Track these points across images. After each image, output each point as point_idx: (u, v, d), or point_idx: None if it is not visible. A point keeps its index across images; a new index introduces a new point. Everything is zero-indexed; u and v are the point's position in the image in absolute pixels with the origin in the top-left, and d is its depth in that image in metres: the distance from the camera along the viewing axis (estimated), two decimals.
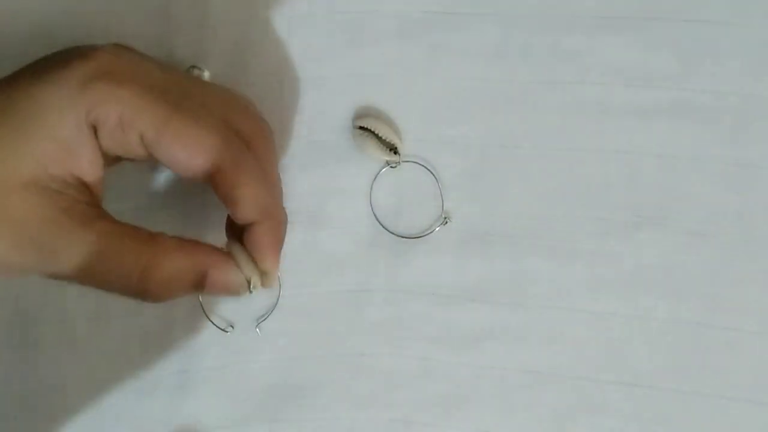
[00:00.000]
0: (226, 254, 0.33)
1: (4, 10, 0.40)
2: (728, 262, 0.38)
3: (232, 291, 0.33)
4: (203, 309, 0.40)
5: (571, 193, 0.39)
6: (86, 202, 0.31)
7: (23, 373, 0.39)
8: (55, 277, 0.31)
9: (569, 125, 0.40)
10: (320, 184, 0.40)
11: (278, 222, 0.34)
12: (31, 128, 0.30)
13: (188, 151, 0.31)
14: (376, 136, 0.39)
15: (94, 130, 0.31)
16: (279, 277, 0.35)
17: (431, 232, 0.40)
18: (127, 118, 0.30)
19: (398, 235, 0.40)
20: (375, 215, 0.40)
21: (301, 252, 0.40)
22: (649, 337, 0.39)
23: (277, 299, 0.40)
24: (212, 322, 0.40)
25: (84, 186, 0.31)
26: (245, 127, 0.34)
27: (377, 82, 0.40)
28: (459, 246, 0.40)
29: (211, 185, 0.32)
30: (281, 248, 0.34)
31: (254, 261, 0.34)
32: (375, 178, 0.40)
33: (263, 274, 0.34)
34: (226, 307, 0.40)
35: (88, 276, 0.31)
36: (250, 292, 0.33)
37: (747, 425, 0.38)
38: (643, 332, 0.39)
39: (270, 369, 0.40)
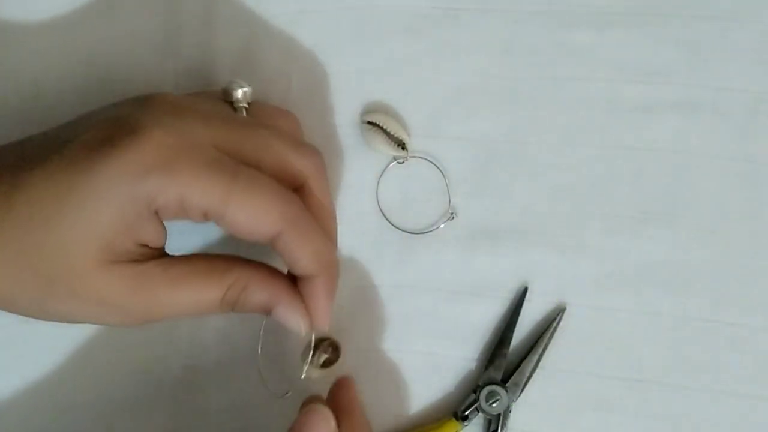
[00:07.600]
0: (295, 291, 0.34)
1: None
2: (735, 258, 0.39)
3: (287, 327, 0.34)
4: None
5: (578, 189, 0.40)
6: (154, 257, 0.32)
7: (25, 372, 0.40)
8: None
9: (576, 121, 0.40)
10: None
11: (334, 275, 0.34)
12: (93, 215, 0.30)
13: (252, 221, 0.31)
14: (384, 131, 0.39)
15: (156, 213, 0.31)
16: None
17: (438, 228, 0.40)
18: (188, 200, 0.30)
19: (405, 231, 0.40)
20: (381, 210, 0.40)
21: None
22: (656, 332, 0.38)
23: None
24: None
25: (148, 247, 0.32)
26: (300, 166, 0.34)
27: (385, 77, 0.41)
28: (465, 242, 0.40)
29: (272, 245, 0.32)
30: (333, 301, 0.34)
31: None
32: (382, 173, 0.40)
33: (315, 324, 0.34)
34: None
35: (174, 316, 0.33)
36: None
37: (753, 421, 0.38)
38: (649, 328, 0.38)
39: None
